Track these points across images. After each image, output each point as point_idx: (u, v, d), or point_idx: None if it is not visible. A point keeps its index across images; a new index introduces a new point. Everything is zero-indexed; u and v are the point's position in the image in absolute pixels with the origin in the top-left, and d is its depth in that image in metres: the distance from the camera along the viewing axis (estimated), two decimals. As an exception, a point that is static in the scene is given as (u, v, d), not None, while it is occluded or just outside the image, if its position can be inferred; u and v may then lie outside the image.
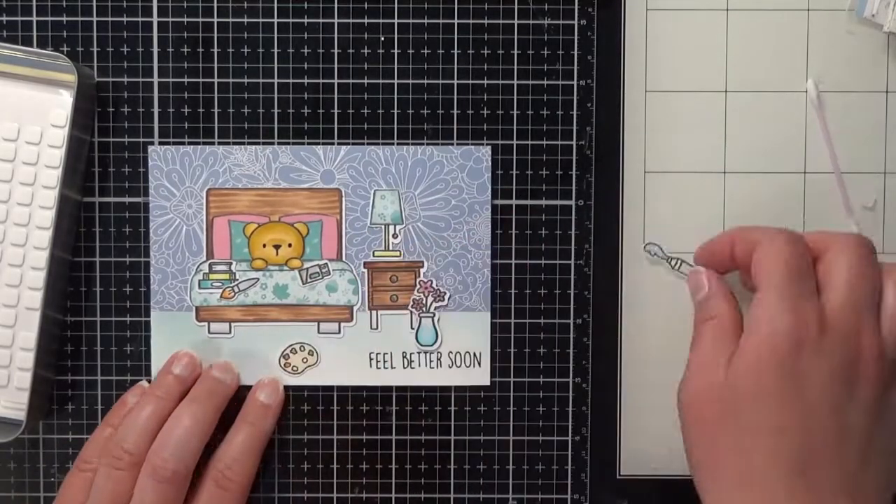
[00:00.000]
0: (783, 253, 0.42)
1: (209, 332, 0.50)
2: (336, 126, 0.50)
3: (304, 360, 0.50)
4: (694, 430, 0.43)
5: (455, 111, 0.50)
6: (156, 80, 0.50)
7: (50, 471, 0.50)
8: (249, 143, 0.50)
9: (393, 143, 0.50)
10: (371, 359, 0.50)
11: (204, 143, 0.50)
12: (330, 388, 0.50)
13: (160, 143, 0.50)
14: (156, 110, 0.50)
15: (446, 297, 0.50)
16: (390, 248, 0.50)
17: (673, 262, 0.50)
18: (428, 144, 0.50)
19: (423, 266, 0.50)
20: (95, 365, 0.50)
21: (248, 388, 0.50)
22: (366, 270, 0.50)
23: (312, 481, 0.51)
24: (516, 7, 0.50)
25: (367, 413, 0.50)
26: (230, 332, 0.50)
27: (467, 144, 0.50)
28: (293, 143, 0.50)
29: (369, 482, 0.51)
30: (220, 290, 0.50)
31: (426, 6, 0.50)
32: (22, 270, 0.49)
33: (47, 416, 0.50)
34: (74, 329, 0.50)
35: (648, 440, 0.51)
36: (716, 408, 0.42)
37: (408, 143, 0.50)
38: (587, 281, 0.51)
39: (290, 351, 0.50)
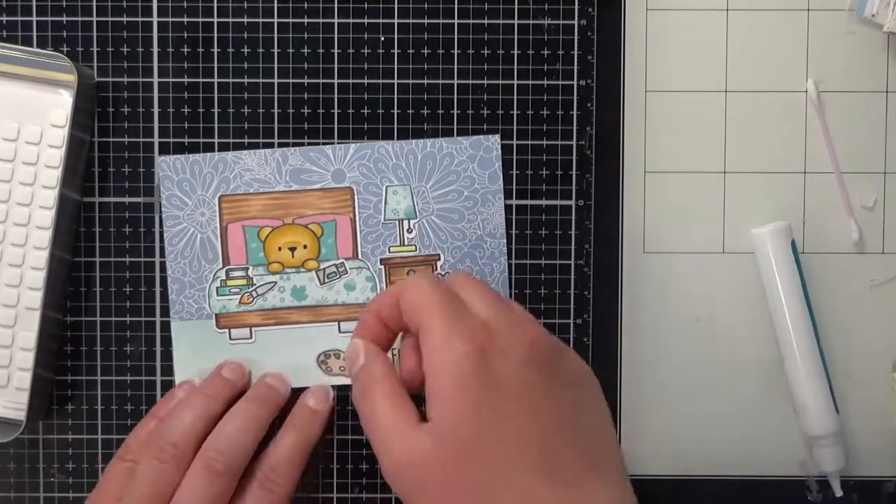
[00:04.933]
0: (426, 286, 0.43)
1: (230, 338, 0.50)
2: (336, 126, 0.50)
3: (342, 368, 0.50)
4: (419, 497, 0.40)
5: (455, 111, 0.50)
6: (156, 80, 0.50)
7: (50, 471, 0.50)
8: (251, 144, 0.50)
9: (402, 139, 0.50)
10: (394, 356, 0.50)
11: (217, 144, 0.50)
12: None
13: (172, 146, 0.50)
14: (156, 110, 0.50)
15: None
16: (405, 242, 0.50)
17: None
18: (437, 137, 0.50)
19: (439, 259, 0.50)
20: (95, 365, 0.50)
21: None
22: (383, 267, 0.50)
23: (312, 481, 0.50)
24: (516, 7, 0.50)
25: (367, 413, 0.50)
26: (251, 338, 0.50)
27: (479, 132, 0.50)
28: (302, 145, 0.50)
29: (369, 482, 0.51)
30: (239, 296, 0.50)
31: (426, 6, 0.50)
32: (22, 270, 0.49)
33: (47, 416, 0.50)
34: (74, 329, 0.50)
35: (648, 440, 0.51)
36: (432, 469, 0.40)
37: (416, 137, 0.50)
38: (587, 281, 0.51)
39: (325, 356, 0.50)
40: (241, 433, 0.46)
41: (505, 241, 0.50)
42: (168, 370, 0.50)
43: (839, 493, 0.50)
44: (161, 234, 0.50)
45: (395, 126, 0.50)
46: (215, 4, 0.50)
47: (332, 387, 0.50)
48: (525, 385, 0.40)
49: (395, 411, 0.41)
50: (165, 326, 0.50)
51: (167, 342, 0.50)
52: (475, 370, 0.40)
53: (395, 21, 0.50)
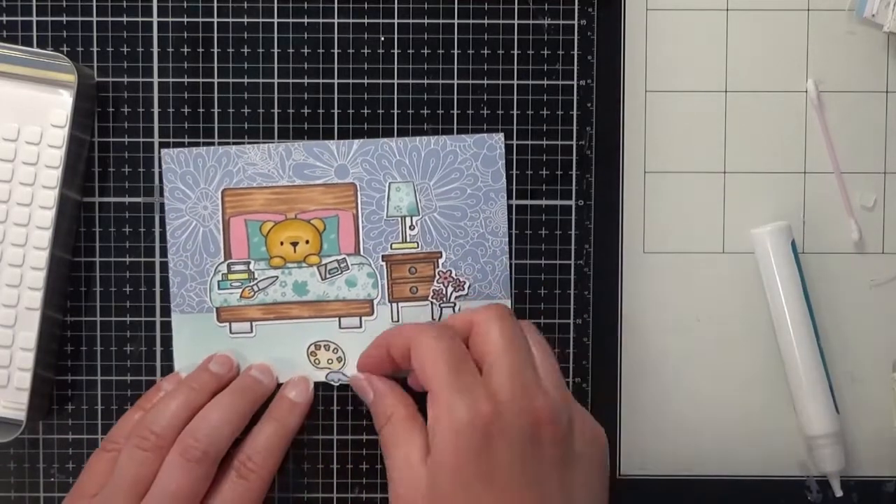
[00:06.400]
0: (437, 349, 0.43)
1: (230, 332, 0.50)
2: (336, 126, 0.50)
3: (330, 361, 0.50)
4: None
5: (455, 111, 0.50)
6: (156, 80, 0.50)
7: (50, 471, 0.50)
8: (251, 144, 0.50)
9: (405, 136, 0.50)
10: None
11: (217, 144, 0.50)
12: (330, 388, 0.50)
13: (173, 146, 0.50)
14: (156, 110, 0.50)
15: (466, 287, 0.50)
16: (408, 239, 0.50)
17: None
18: (441, 134, 0.50)
19: (441, 256, 0.50)
20: (95, 365, 0.50)
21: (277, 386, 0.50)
22: (384, 263, 0.50)
23: (312, 481, 0.51)
24: (516, 7, 0.50)
25: (366, 413, 0.50)
26: (252, 332, 0.50)
27: (480, 132, 0.50)
28: (305, 140, 0.50)
29: (369, 482, 0.51)
30: (240, 290, 0.50)
31: (426, 6, 0.50)
32: (22, 270, 0.49)
33: (47, 416, 0.50)
34: (74, 329, 0.50)
35: (648, 440, 0.51)
36: None
37: (420, 134, 0.50)
38: (587, 281, 0.51)
39: (315, 347, 0.50)
40: (222, 423, 0.46)
41: (507, 239, 0.50)
42: (168, 370, 0.50)
43: (839, 493, 0.50)
44: (161, 234, 0.50)
45: (395, 126, 0.50)
46: (215, 4, 0.50)
47: (329, 386, 0.50)
48: (519, 468, 0.42)
49: (405, 448, 0.44)
50: (165, 326, 0.50)
51: (167, 342, 0.50)
52: (475, 448, 0.41)
53: (395, 21, 0.50)
